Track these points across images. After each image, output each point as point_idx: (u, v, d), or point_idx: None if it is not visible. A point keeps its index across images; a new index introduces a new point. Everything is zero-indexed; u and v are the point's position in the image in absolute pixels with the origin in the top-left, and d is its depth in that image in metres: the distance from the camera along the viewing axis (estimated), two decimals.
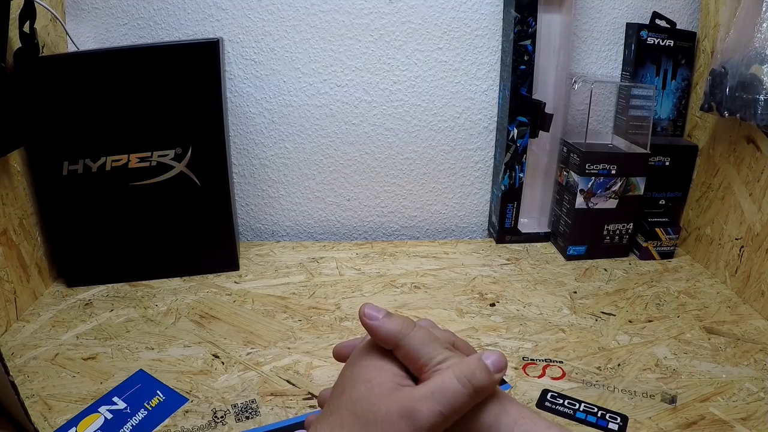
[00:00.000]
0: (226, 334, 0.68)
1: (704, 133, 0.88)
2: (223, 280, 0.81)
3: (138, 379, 0.59)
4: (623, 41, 0.91)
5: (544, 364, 0.63)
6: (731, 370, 0.62)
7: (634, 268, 0.86)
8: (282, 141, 0.92)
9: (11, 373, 0.46)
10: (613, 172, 0.84)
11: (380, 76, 0.89)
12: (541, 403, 0.57)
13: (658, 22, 0.89)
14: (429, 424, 0.33)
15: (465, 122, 0.93)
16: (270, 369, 0.62)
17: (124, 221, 0.77)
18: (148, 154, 0.74)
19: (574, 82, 0.88)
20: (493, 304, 0.75)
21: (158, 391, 0.57)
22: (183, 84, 0.72)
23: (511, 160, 0.89)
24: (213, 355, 0.64)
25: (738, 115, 0.72)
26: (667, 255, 0.89)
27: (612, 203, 0.86)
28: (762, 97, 0.68)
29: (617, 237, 0.88)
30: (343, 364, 0.40)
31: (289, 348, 0.65)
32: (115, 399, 0.56)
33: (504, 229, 0.94)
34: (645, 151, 0.85)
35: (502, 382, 0.60)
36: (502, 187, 0.91)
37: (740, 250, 0.78)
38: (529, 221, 0.96)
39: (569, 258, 0.89)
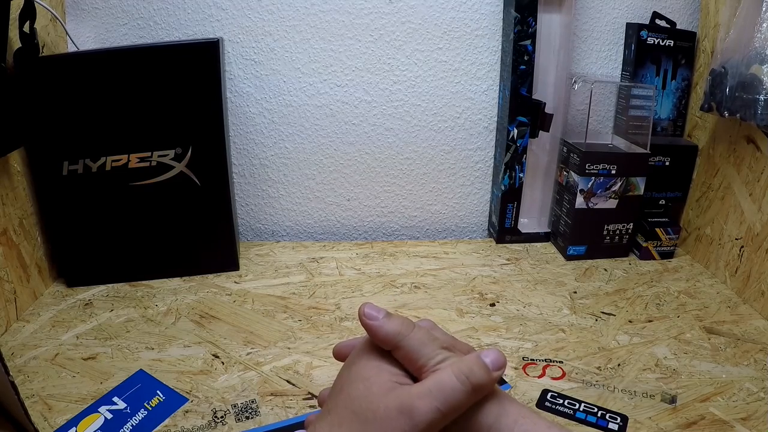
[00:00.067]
0: (226, 334, 0.68)
1: (704, 133, 0.88)
2: (223, 280, 0.81)
3: (138, 379, 0.59)
4: (623, 41, 0.91)
5: (544, 364, 0.63)
6: (731, 370, 0.62)
7: (634, 268, 0.86)
8: (282, 141, 0.92)
9: (11, 373, 0.46)
10: (613, 172, 0.84)
11: (380, 76, 0.89)
12: (541, 403, 0.57)
13: (658, 22, 0.89)
14: (427, 421, 0.33)
15: (465, 122, 0.93)
16: (270, 369, 0.62)
17: (124, 221, 0.77)
18: (148, 154, 0.74)
19: (574, 82, 0.88)
20: (493, 304, 0.75)
21: (158, 391, 0.57)
22: (183, 84, 0.72)
23: (511, 160, 0.90)
24: (213, 355, 0.64)
25: (738, 115, 0.72)
26: (667, 255, 0.89)
27: (612, 203, 0.86)
28: (762, 97, 0.68)
29: (617, 237, 0.88)
30: (343, 363, 0.40)
31: (289, 348, 0.65)
32: (115, 399, 0.56)
33: (504, 229, 0.94)
34: (645, 151, 0.85)
35: (502, 382, 0.60)
36: (502, 187, 0.91)
37: (740, 250, 0.78)
38: (529, 221, 0.96)
39: (569, 258, 0.89)
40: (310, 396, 0.57)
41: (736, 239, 0.79)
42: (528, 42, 0.83)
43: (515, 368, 0.62)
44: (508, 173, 0.90)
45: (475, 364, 0.35)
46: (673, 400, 0.57)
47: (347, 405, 0.35)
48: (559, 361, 0.64)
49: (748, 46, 0.69)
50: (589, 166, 0.83)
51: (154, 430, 0.53)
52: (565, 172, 0.88)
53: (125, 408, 0.55)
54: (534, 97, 0.86)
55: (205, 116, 0.75)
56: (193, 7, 0.84)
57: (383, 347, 0.37)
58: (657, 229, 0.88)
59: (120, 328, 0.68)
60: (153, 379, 0.59)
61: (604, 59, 0.92)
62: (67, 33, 0.80)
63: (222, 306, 0.74)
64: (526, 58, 0.84)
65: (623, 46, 0.91)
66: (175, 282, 0.80)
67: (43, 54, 0.72)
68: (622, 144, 0.90)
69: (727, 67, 0.73)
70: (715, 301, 0.77)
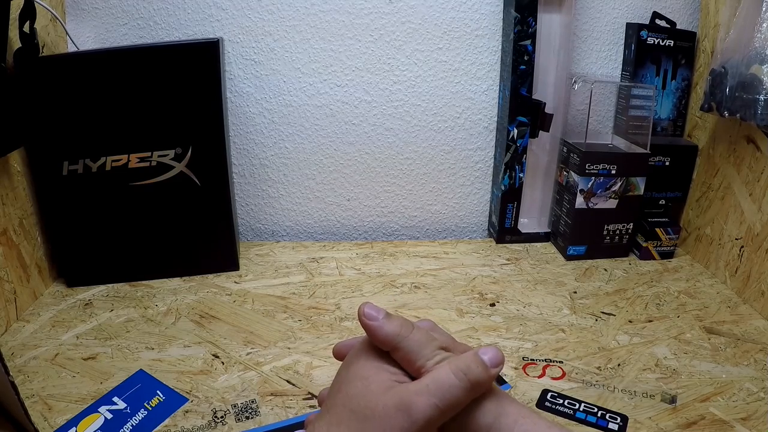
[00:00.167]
0: (226, 334, 0.68)
1: (704, 133, 0.88)
2: (223, 280, 0.81)
3: (138, 379, 0.59)
4: (623, 41, 0.91)
5: (544, 364, 0.63)
6: (731, 370, 0.62)
7: (634, 268, 0.86)
8: (282, 141, 0.92)
9: (11, 373, 0.46)
10: (613, 172, 0.84)
11: (380, 76, 0.89)
12: (541, 403, 0.57)
13: (658, 22, 0.89)
14: (425, 418, 0.33)
15: (465, 122, 0.93)
16: (270, 369, 0.62)
17: (124, 221, 0.77)
18: (148, 154, 0.74)
19: (574, 82, 0.88)
20: (493, 304, 0.75)
21: (158, 391, 0.57)
22: (183, 84, 0.72)
23: (511, 160, 0.90)
24: (213, 355, 0.64)
25: (738, 115, 0.72)
26: (667, 255, 0.89)
27: (612, 203, 0.86)
28: (762, 97, 0.68)
29: (617, 237, 0.88)
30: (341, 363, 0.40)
31: (289, 348, 0.65)
32: (115, 399, 0.56)
33: (504, 229, 0.94)
34: (645, 151, 0.85)
35: (502, 382, 0.60)
36: (502, 187, 0.91)
37: (740, 250, 0.78)
38: (529, 221, 0.96)
39: (569, 258, 0.89)
40: (310, 396, 0.57)
41: (736, 239, 0.79)
42: (528, 42, 0.83)
43: (515, 368, 0.62)
44: (508, 173, 0.90)
45: (473, 362, 0.35)
46: (673, 400, 0.57)
47: (346, 403, 0.35)
48: (559, 361, 0.64)
49: (748, 46, 0.69)
50: (589, 166, 0.83)
51: (154, 430, 0.53)
52: (565, 172, 0.88)
53: (125, 408, 0.55)
54: (534, 97, 0.86)
55: (205, 116, 0.75)
56: (193, 7, 0.84)
57: (382, 348, 0.37)
58: (657, 229, 0.88)
59: (120, 328, 0.68)
60: (153, 379, 0.59)
61: (604, 59, 0.92)
62: (67, 33, 0.80)
63: (222, 306, 0.74)
64: (526, 58, 0.84)
65: (623, 46, 0.91)
66: (175, 282, 0.80)
67: (43, 54, 0.72)
68: (622, 144, 0.90)
69: (727, 67, 0.73)
70: (715, 301, 0.77)
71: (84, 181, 0.73)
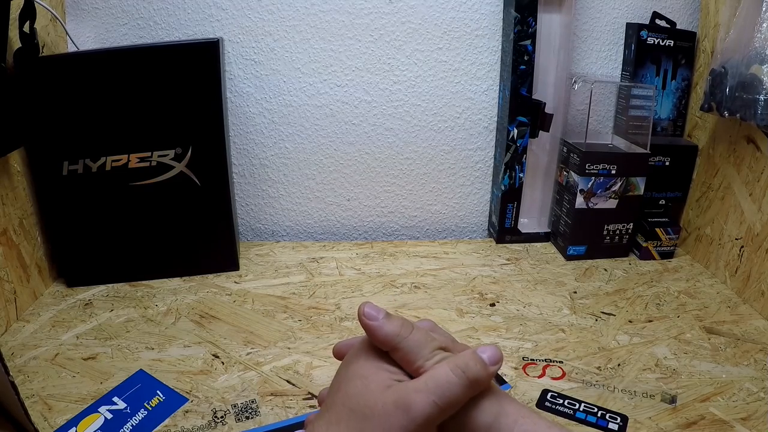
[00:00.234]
0: (226, 334, 0.68)
1: (704, 133, 0.88)
2: (223, 280, 0.81)
3: (138, 379, 0.59)
4: (623, 41, 0.91)
5: (544, 364, 0.63)
6: (731, 370, 0.62)
7: (634, 268, 0.86)
8: (282, 141, 0.92)
9: (11, 373, 0.46)
10: (613, 172, 0.84)
11: (380, 76, 0.89)
12: (541, 403, 0.57)
13: (658, 22, 0.89)
14: (424, 415, 0.33)
15: (465, 122, 0.93)
16: (270, 369, 0.62)
17: (124, 221, 0.77)
18: (148, 154, 0.74)
19: (574, 82, 0.88)
20: (493, 304, 0.75)
21: (158, 391, 0.57)
22: (183, 84, 0.72)
23: (511, 160, 0.90)
24: (213, 355, 0.64)
25: (738, 115, 0.72)
26: (667, 255, 0.89)
27: (612, 203, 0.86)
28: (762, 97, 0.68)
29: (617, 237, 0.88)
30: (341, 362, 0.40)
31: (289, 348, 0.65)
32: (115, 399, 0.56)
33: (504, 229, 0.94)
34: (645, 151, 0.85)
35: (502, 382, 0.60)
36: (502, 187, 0.91)
37: (740, 250, 0.78)
38: (529, 221, 0.96)
39: (569, 258, 0.89)
40: (310, 396, 0.57)
41: (736, 239, 0.79)
42: (528, 42, 0.83)
43: (515, 368, 0.62)
44: (508, 173, 0.90)
45: (471, 359, 0.35)
46: (673, 400, 0.57)
47: (345, 402, 0.35)
48: (559, 361, 0.64)
49: (748, 46, 0.69)
50: (589, 166, 0.83)
51: (154, 430, 0.53)
52: (565, 172, 0.88)
53: (125, 408, 0.55)
54: (534, 97, 0.86)
55: (205, 116, 0.75)
56: (193, 7, 0.84)
57: (381, 348, 0.37)
58: (657, 229, 0.88)
59: (120, 328, 0.68)
60: (153, 379, 0.59)
61: (604, 59, 0.92)
62: (67, 33, 0.80)
63: (222, 306, 0.74)
64: (526, 58, 0.84)
65: (623, 46, 0.91)
66: (175, 282, 0.80)
67: (43, 54, 0.72)
68: (622, 144, 0.90)
69: (727, 67, 0.73)
70: (715, 301, 0.77)
71: (84, 181, 0.73)
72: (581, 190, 0.84)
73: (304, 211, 0.97)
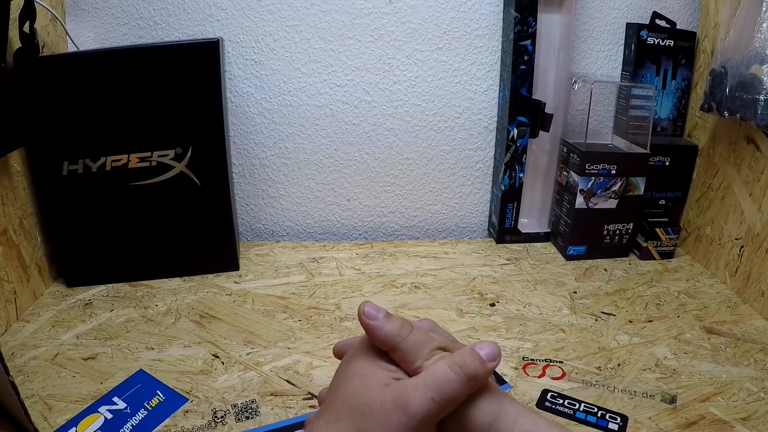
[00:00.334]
0: (226, 334, 0.68)
1: (704, 133, 0.88)
2: (223, 280, 0.81)
3: (138, 379, 0.59)
4: (623, 41, 0.91)
5: (544, 364, 0.63)
6: (731, 370, 0.62)
7: (634, 268, 0.86)
8: (282, 141, 0.92)
9: (11, 373, 0.46)
10: (613, 172, 0.84)
11: (380, 76, 0.89)
12: (541, 403, 0.57)
13: (658, 22, 0.89)
14: (422, 412, 0.33)
15: (465, 122, 0.93)
16: (270, 369, 0.62)
17: (124, 221, 0.77)
18: (148, 154, 0.74)
19: (574, 82, 0.88)
20: (493, 304, 0.75)
21: (158, 391, 0.57)
22: (183, 84, 0.72)
23: (511, 160, 0.89)
24: (213, 355, 0.64)
25: (738, 115, 0.72)
26: (667, 255, 0.89)
27: (612, 203, 0.86)
28: (762, 97, 0.68)
29: (617, 237, 0.88)
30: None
31: (289, 348, 0.65)
32: (115, 399, 0.56)
33: (504, 229, 0.94)
34: (645, 151, 0.85)
35: (502, 382, 0.60)
36: (502, 187, 0.91)
37: (740, 250, 0.78)
38: (529, 221, 0.96)
39: (569, 258, 0.89)
40: (310, 396, 0.57)
41: (736, 239, 0.79)
42: (528, 42, 0.83)
43: (515, 368, 0.62)
44: (508, 173, 0.90)
45: (469, 356, 0.35)
46: (673, 400, 0.57)
47: (344, 401, 0.35)
48: (559, 361, 0.64)
49: (748, 46, 0.69)
50: (589, 166, 0.83)
51: (154, 430, 0.53)
52: (565, 172, 0.88)
53: (125, 408, 0.55)
54: (534, 97, 0.86)
55: (205, 116, 0.75)
56: (193, 7, 0.84)
57: (381, 347, 0.37)
58: (657, 229, 0.88)
59: (120, 328, 0.68)
60: (153, 379, 0.59)
61: (604, 59, 0.92)
62: (67, 33, 0.80)
63: (222, 306, 0.74)
64: (526, 58, 0.84)
65: (623, 46, 0.91)
66: (175, 282, 0.80)
67: (43, 54, 0.72)
68: (622, 144, 0.90)
69: (727, 67, 0.73)
70: (715, 301, 0.77)
71: (84, 181, 0.73)
72: (581, 190, 0.84)
73: (304, 211, 0.97)
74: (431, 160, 0.95)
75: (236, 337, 0.67)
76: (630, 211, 0.87)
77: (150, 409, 0.55)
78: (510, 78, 0.85)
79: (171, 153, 0.75)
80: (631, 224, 0.88)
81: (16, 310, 0.70)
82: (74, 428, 0.52)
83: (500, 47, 0.89)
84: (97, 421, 0.53)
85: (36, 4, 0.67)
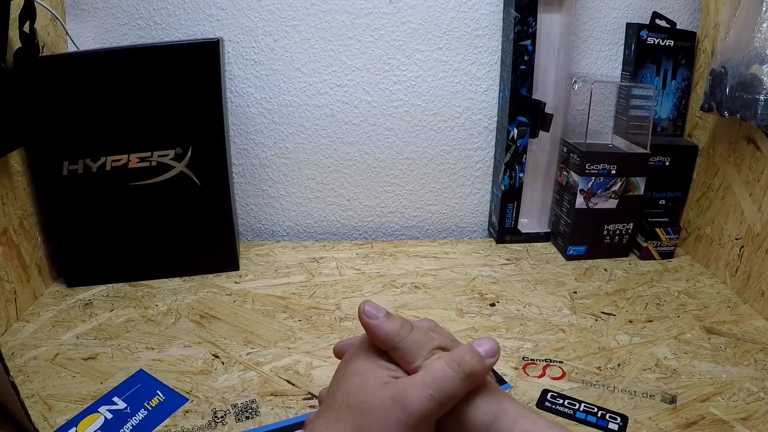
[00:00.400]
0: (226, 334, 0.68)
1: (704, 133, 0.88)
2: (223, 280, 0.81)
3: (138, 379, 0.59)
4: (623, 41, 0.91)
5: (544, 364, 0.63)
6: (731, 370, 0.62)
7: (634, 268, 0.86)
8: (282, 141, 0.92)
9: (11, 373, 0.46)
10: (613, 172, 0.84)
11: (380, 76, 0.89)
12: (541, 403, 0.57)
13: (658, 22, 0.89)
14: (421, 409, 0.33)
15: (465, 122, 0.93)
16: (270, 369, 0.62)
17: (124, 221, 0.77)
18: (148, 154, 0.74)
19: (574, 82, 0.88)
20: (493, 304, 0.75)
21: (158, 391, 0.57)
22: (183, 84, 0.72)
23: (511, 160, 0.90)
24: (213, 355, 0.64)
25: (738, 115, 0.72)
26: (667, 255, 0.89)
27: (612, 203, 0.86)
28: (762, 97, 0.68)
29: (617, 237, 0.88)
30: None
31: (289, 348, 0.65)
32: (115, 399, 0.56)
33: (504, 229, 0.94)
34: (645, 151, 0.85)
35: (502, 382, 0.60)
36: (502, 187, 0.91)
37: (740, 250, 0.78)
38: (529, 221, 0.96)
39: (569, 258, 0.89)
40: (310, 396, 0.57)
41: (736, 239, 0.79)
42: (528, 42, 0.83)
43: (515, 368, 0.62)
44: (508, 173, 0.90)
45: (467, 353, 0.35)
46: (673, 400, 0.57)
47: (344, 400, 0.35)
48: (559, 361, 0.64)
49: (748, 46, 0.69)
50: (589, 166, 0.83)
51: (154, 430, 0.53)
52: (565, 172, 0.88)
53: (125, 408, 0.55)
54: (534, 97, 0.86)
55: (205, 116, 0.75)
56: (193, 7, 0.84)
57: (381, 347, 0.37)
58: (657, 229, 0.88)
59: (120, 328, 0.68)
60: (153, 379, 0.59)
61: (604, 59, 0.92)
62: (67, 33, 0.80)
63: (222, 306, 0.74)
64: (526, 58, 0.84)
65: (623, 46, 0.91)
66: (175, 282, 0.80)
67: (43, 54, 0.72)
68: (622, 144, 0.90)
69: (727, 67, 0.73)
70: (715, 301, 0.77)
71: (84, 181, 0.73)
72: (581, 190, 0.84)
73: (304, 211, 0.97)
74: (431, 160, 0.95)
75: (236, 337, 0.67)
76: (630, 211, 0.87)
77: (150, 409, 0.55)
78: (510, 78, 0.85)
79: (171, 153, 0.75)
80: (631, 224, 0.88)
81: (16, 310, 0.70)
82: (74, 428, 0.52)
83: (500, 47, 0.89)
84: (97, 421, 0.53)
85: (36, 4, 0.67)
